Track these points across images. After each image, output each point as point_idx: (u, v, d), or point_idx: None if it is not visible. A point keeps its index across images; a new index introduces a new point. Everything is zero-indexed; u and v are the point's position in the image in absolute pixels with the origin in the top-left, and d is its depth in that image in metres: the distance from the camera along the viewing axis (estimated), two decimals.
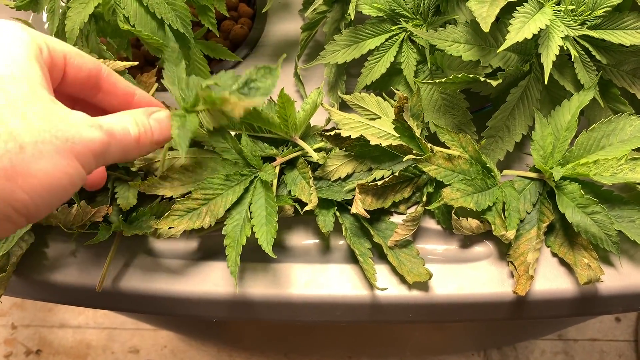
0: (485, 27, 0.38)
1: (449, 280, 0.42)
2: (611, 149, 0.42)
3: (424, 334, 0.88)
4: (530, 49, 0.43)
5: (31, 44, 0.30)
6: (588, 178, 0.41)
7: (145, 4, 0.44)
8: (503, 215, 0.42)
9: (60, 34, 0.45)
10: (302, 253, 0.45)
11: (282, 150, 0.45)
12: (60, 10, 0.45)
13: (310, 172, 0.43)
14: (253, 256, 0.44)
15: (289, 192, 0.43)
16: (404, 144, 0.42)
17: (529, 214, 0.43)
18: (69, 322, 1.28)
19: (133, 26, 0.44)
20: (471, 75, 0.40)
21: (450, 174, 0.41)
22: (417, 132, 0.42)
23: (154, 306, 0.44)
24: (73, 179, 0.29)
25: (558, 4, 0.41)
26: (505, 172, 0.44)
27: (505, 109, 0.44)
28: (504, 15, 0.41)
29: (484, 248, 0.44)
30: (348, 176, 0.44)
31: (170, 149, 0.43)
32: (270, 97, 0.47)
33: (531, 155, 0.43)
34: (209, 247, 0.45)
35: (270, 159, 0.44)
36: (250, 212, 0.40)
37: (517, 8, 0.39)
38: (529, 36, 0.38)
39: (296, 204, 0.42)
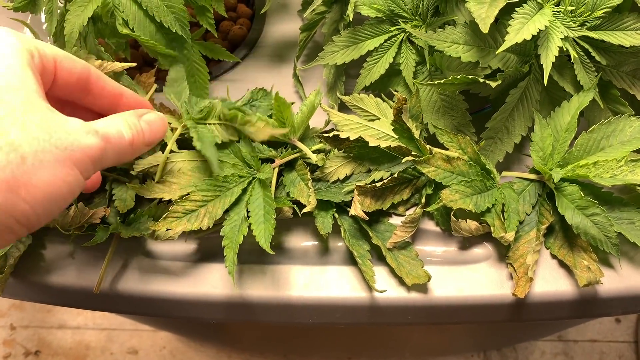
0: (485, 28, 0.37)
1: (448, 282, 0.42)
2: (611, 150, 0.42)
3: (424, 335, 0.88)
4: (529, 50, 0.43)
5: (22, 51, 0.30)
6: (588, 179, 0.41)
7: (144, 7, 0.43)
8: (502, 217, 0.41)
9: (59, 35, 0.45)
10: (301, 255, 0.44)
11: (281, 152, 0.45)
12: (58, 11, 0.45)
13: (308, 173, 0.43)
14: (251, 258, 0.43)
15: (288, 193, 0.43)
16: (402, 145, 0.42)
17: (529, 215, 0.43)
18: (67, 323, 1.28)
19: (132, 30, 0.43)
20: (470, 77, 0.40)
21: (449, 175, 0.41)
22: (416, 134, 0.42)
23: (152, 308, 0.44)
24: (72, 187, 0.29)
25: (557, 4, 0.41)
26: (504, 173, 0.44)
27: (505, 110, 0.44)
28: (503, 16, 0.40)
29: (483, 250, 0.44)
30: (347, 177, 0.44)
31: (171, 151, 0.43)
32: None
33: (530, 156, 0.43)
34: (207, 248, 0.45)
35: (269, 161, 0.44)
36: (248, 212, 0.40)
37: (517, 9, 0.39)
38: (528, 37, 0.38)
39: (295, 206, 0.42)
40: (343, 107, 0.48)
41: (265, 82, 0.47)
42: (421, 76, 0.47)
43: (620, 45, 0.41)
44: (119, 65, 0.43)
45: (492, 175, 0.42)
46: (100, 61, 0.43)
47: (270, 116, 0.45)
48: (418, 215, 0.42)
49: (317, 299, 0.42)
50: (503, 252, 0.43)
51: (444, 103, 0.45)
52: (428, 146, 0.42)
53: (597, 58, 0.42)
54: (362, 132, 0.43)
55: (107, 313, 1.24)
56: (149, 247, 0.45)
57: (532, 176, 0.44)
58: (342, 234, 0.42)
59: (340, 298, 0.42)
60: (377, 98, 0.46)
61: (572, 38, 0.41)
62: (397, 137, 0.42)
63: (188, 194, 0.40)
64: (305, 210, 0.41)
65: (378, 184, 0.42)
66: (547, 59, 0.39)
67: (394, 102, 0.46)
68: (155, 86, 0.48)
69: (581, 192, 0.39)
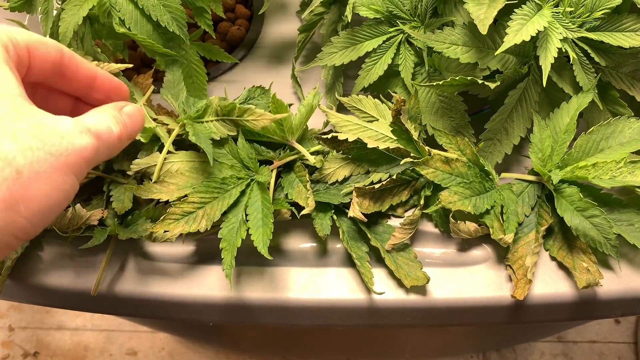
0: (483, 30, 0.37)
1: (446, 284, 0.42)
2: (610, 151, 0.42)
3: (423, 337, 0.87)
4: (528, 51, 0.43)
5: None
6: (587, 181, 0.40)
7: (141, 6, 0.43)
8: (501, 219, 0.41)
9: (54, 35, 0.45)
10: (299, 257, 0.44)
11: (280, 154, 0.45)
12: (55, 12, 0.45)
13: (307, 175, 0.42)
14: (250, 260, 0.43)
15: (286, 195, 0.43)
16: (401, 146, 0.42)
17: (528, 217, 0.43)
18: (66, 324, 1.27)
19: (129, 29, 0.43)
20: (469, 78, 0.40)
21: (448, 177, 0.41)
22: (415, 135, 0.42)
23: (150, 310, 0.44)
24: (69, 193, 0.28)
25: (556, 5, 0.41)
26: (503, 175, 0.44)
27: (504, 111, 0.44)
28: (502, 17, 0.40)
29: (482, 252, 0.44)
30: (345, 179, 0.44)
31: (168, 152, 0.42)
32: None
33: (529, 158, 0.43)
34: (205, 250, 0.45)
35: (267, 163, 0.44)
36: (247, 215, 0.40)
37: (515, 10, 0.39)
38: (527, 38, 0.38)
39: (293, 208, 0.42)
40: (341, 108, 0.48)
41: (263, 83, 0.47)
42: (420, 77, 0.47)
43: (619, 47, 0.41)
44: (116, 67, 0.42)
45: (491, 176, 0.42)
46: (96, 62, 0.42)
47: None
48: (417, 217, 0.41)
49: (316, 301, 0.42)
50: (502, 253, 0.43)
51: (443, 104, 0.45)
52: (427, 147, 0.41)
53: (596, 59, 0.42)
54: (361, 134, 0.43)
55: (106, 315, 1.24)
56: (147, 248, 0.45)
57: (531, 178, 0.44)
58: (341, 236, 0.42)
59: (339, 300, 0.42)
60: (376, 99, 0.46)
61: (571, 39, 0.41)
62: (395, 138, 0.42)
63: (186, 195, 0.40)
64: (303, 212, 0.41)
65: (377, 186, 0.41)
66: (546, 60, 0.38)
67: (392, 103, 0.46)
68: (152, 87, 0.48)
69: (580, 194, 0.39)
